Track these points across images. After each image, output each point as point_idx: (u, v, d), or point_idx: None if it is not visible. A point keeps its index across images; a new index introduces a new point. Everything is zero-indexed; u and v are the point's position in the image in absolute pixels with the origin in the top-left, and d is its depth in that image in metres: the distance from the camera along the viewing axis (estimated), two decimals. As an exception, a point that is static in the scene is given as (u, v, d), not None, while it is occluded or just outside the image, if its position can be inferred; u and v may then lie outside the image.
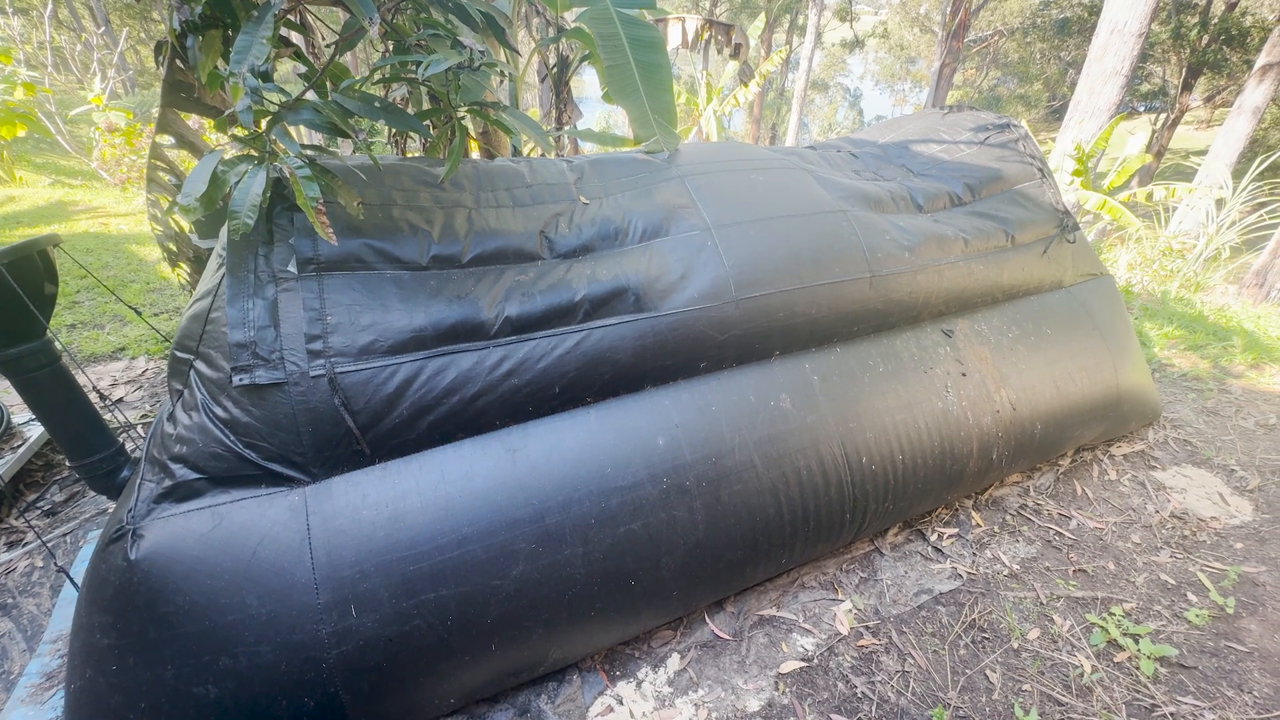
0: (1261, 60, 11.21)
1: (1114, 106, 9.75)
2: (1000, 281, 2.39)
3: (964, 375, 2.23)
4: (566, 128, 3.63)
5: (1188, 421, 2.99)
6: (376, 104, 1.44)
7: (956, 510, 2.47)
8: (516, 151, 3.24)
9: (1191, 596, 2.06)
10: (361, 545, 1.43)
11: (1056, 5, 26.83)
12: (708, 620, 1.97)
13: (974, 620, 1.98)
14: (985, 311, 2.41)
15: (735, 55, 3.20)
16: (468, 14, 1.57)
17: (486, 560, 1.50)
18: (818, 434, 1.93)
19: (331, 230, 1.38)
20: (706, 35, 3.16)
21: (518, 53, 1.80)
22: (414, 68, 1.53)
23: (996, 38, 29.43)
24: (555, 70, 3.41)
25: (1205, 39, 22.23)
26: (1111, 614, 1.98)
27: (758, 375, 1.94)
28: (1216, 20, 21.57)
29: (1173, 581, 2.12)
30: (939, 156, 2.56)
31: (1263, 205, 7.26)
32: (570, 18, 2.81)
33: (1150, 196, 8.52)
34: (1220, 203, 7.64)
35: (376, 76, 1.67)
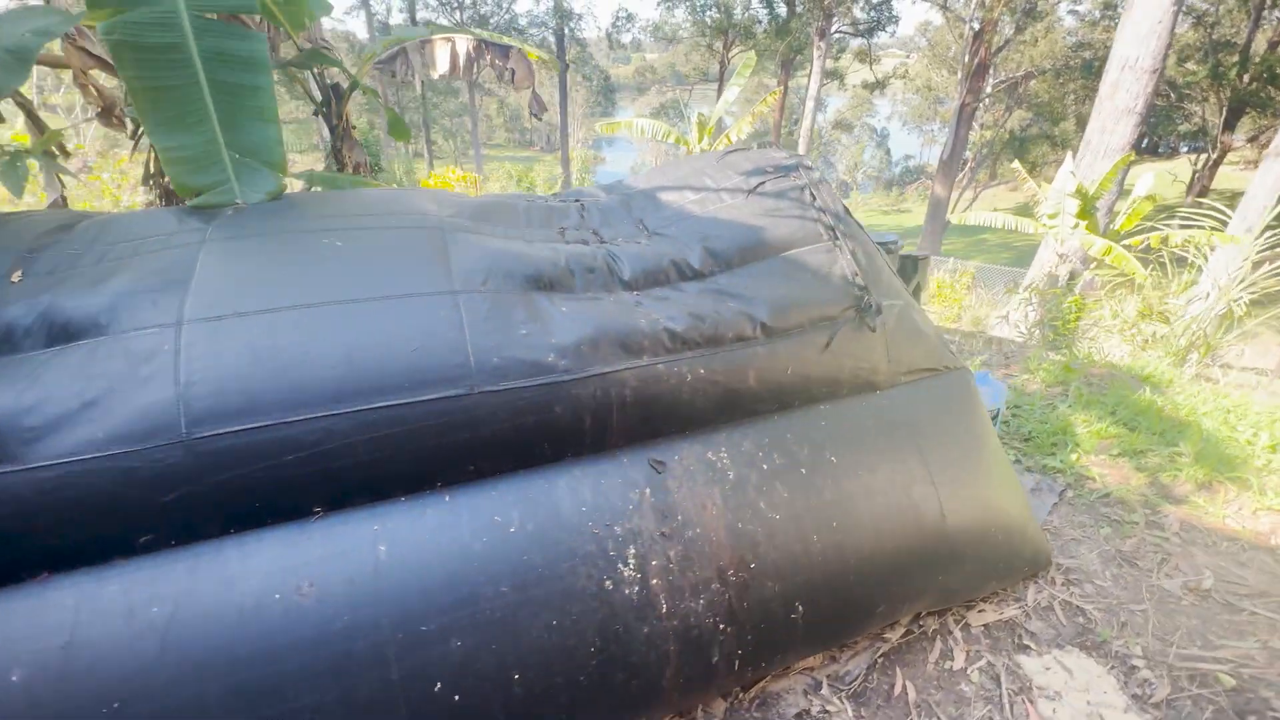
0: (1299, 98, 10.21)
1: (1127, 145, 8.88)
2: (746, 388, 1.65)
3: (665, 534, 1.49)
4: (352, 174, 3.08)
5: (1090, 573, 2.13)
6: None
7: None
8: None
9: None
10: None
11: (1089, 47, 25.97)
12: None
13: None
14: (730, 431, 1.67)
15: (513, 82, 2.61)
16: None
17: None
18: (356, 644, 1.22)
19: None
20: (489, 59, 2.59)
21: None
22: None
23: (1026, 79, 28.67)
24: (323, 103, 2.88)
25: (1246, 78, 20.97)
26: None
27: (271, 550, 1.25)
28: (1258, 59, 20.36)
29: None
30: (688, 209, 1.87)
31: (1290, 254, 6.28)
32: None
33: (1165, 241, 7.57)
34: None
35: None
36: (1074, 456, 2.70)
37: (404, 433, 1.31)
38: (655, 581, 1.46)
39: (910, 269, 2.59)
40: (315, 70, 2.78)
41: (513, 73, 2.53)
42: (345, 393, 1.27)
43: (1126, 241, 7.95)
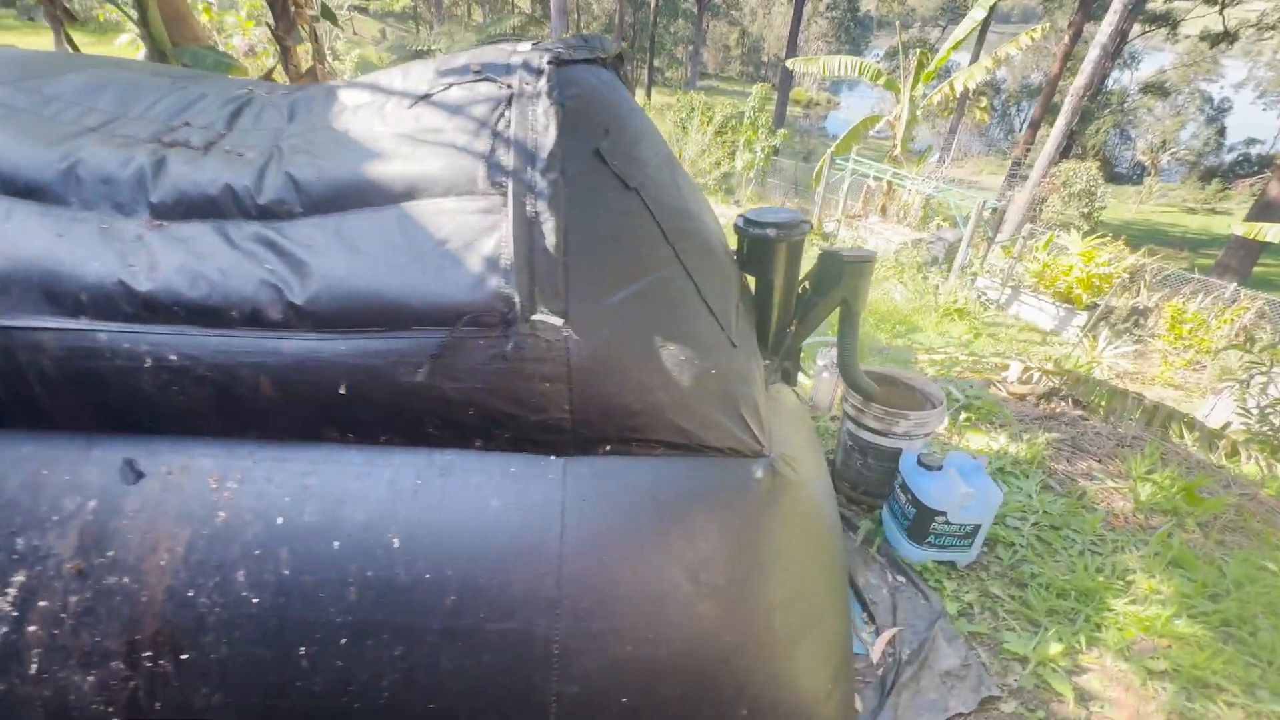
0: None
1: None
2: (259, 396, 1.08)
3: (79, 571, 1.06)
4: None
5: None
6: None
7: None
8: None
9: None
10: None
11: None
12: None
13: None
14: (260, 451, 1.12)
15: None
16: None
17: None
18: None
19: None
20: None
21: None
22: None
23: None
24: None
25: None
26: None
27: None
28: None
29: None
30: (338, 118, 1.24)
31: None
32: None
33: None
34: None
35: None
36: (1059, 646, 1.58)
37: None
38: (34, 629, 1.04)
39: (832, 272, 1.62)
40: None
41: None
42: None
43: None
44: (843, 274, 1.59)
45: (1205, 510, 2.09)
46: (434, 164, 1.11)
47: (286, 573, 1.06)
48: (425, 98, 1.19)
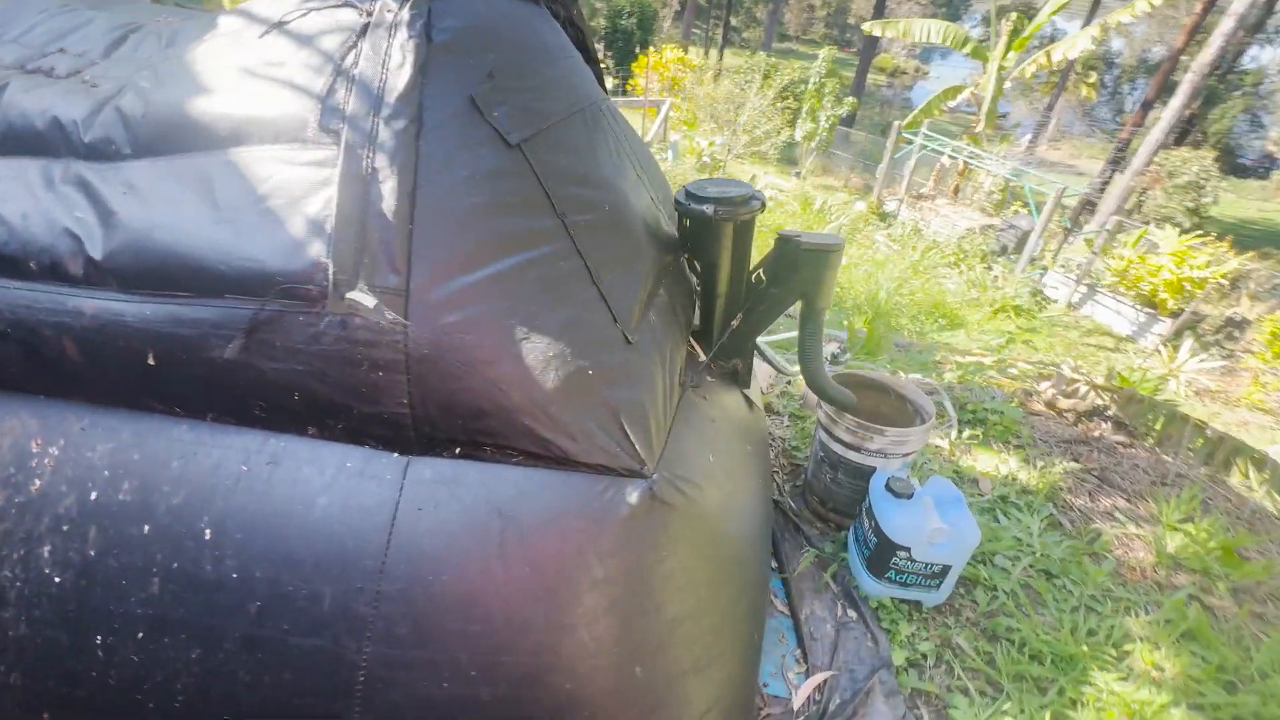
0: None
1: None
2: (64, 359, 0.97)
3: None
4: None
5: None
6: None
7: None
8: None
9: None
10: None
11: None
12: None
13: None
14: (80, 414, 1.03)
15: None
16: None
17: None
18: None
19: None
20: None
21: None
22: None
23: None
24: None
25: None
26: None
27: None
28: None
29: None
30: (196, 48, 1.09)
31: None
32: None
33: None
34: None
35: None
36: (1016, 724, 1.34)
37: None
38: None
39: (789, 260, 1.38)
40: None
41: None
42: None
43: None
44: (799, 263, 1.35)
45: (1244, 575, 1.76)
46: (267, 105, 0.95)
47: (92, 554, 0.97)
48: (279, 25, 1.02)
